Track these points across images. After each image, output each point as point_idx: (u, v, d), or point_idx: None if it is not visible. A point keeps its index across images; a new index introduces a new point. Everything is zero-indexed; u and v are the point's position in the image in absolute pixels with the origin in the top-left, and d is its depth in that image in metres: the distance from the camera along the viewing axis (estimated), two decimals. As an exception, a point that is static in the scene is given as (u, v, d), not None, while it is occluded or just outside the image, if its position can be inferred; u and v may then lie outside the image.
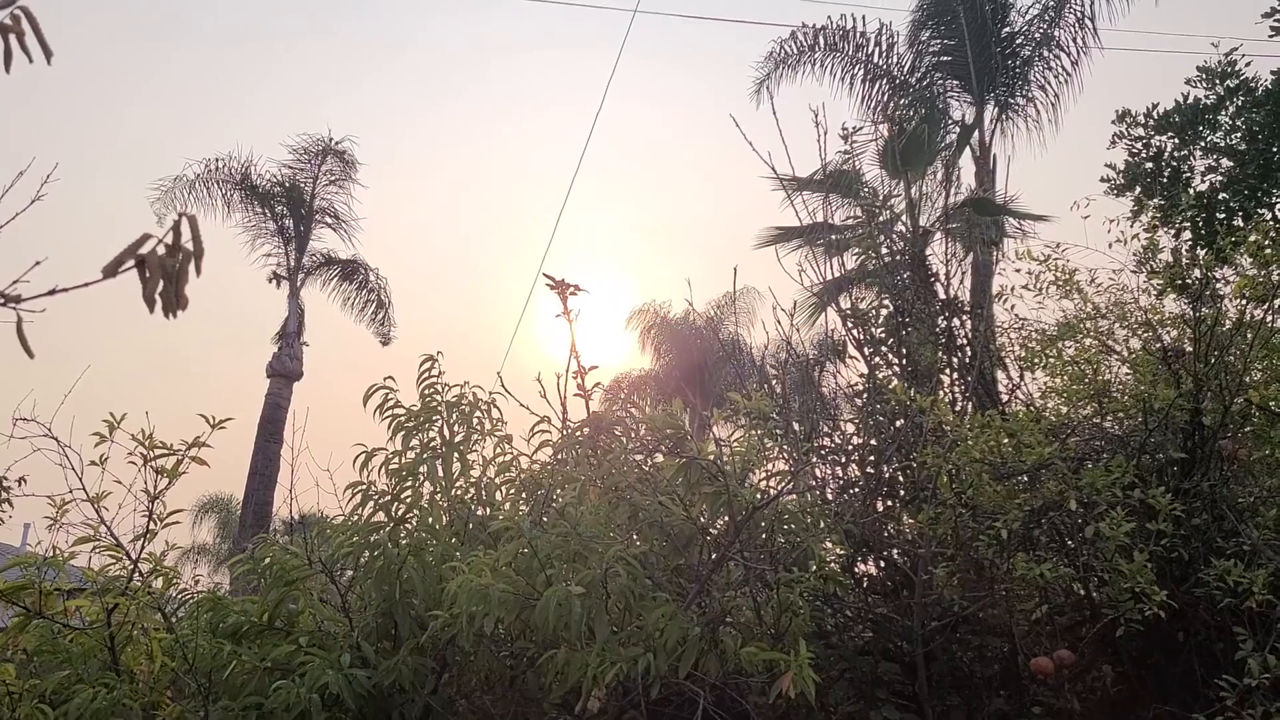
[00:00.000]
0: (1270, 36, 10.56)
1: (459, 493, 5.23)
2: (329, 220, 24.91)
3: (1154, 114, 10.97)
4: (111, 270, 1.79)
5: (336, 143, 24.45)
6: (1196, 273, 5.87)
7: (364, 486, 5.10)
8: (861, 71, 20.04)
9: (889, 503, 5.85)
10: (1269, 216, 10.05)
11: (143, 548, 4.68)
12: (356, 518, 5.05)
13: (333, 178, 24.69)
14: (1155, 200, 10.68)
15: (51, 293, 1.89)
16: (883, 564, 5.64)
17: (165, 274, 1.82)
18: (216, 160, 23.56)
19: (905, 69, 20.26)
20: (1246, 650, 4.39)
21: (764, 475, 5.35)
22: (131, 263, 1.80)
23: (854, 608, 5.50)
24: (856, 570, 5.65)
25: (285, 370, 23.81)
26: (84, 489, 4.62)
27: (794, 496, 5.30)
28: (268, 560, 4.96)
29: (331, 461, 5.26)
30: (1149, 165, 10.94)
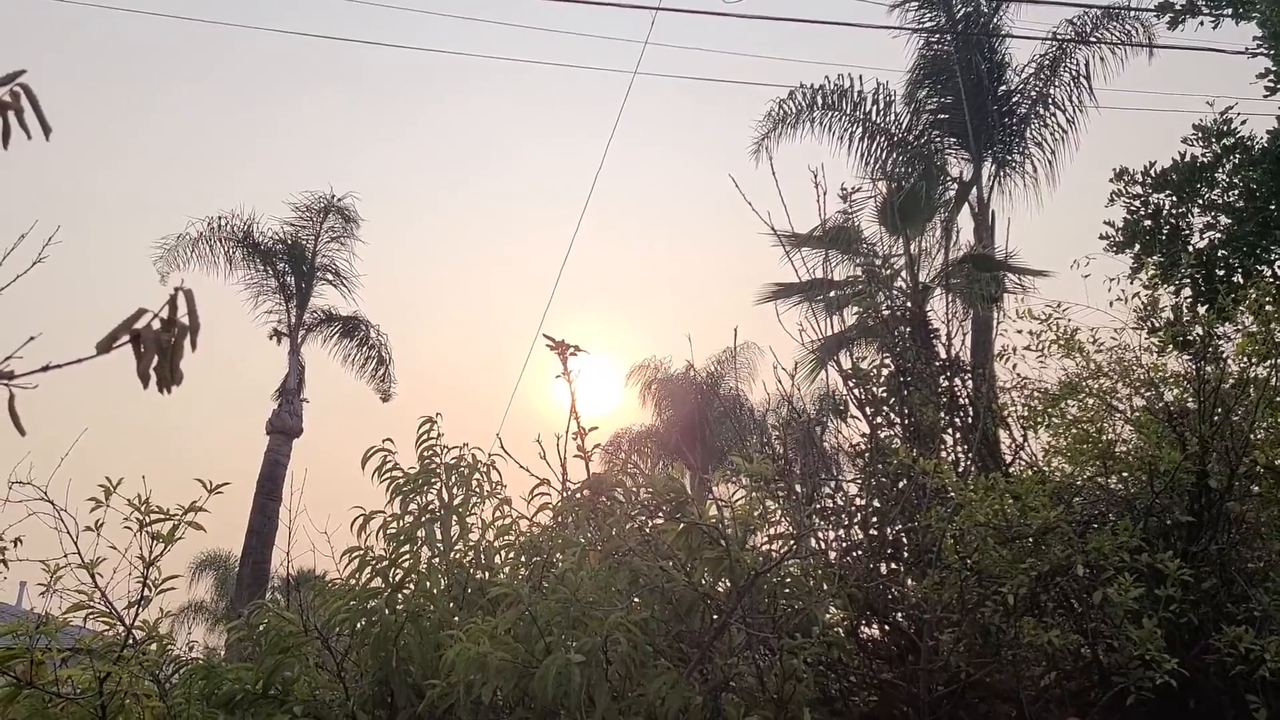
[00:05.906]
0: (1265, 96, 10.67)
1: (457, 556, 5.17)
2: (330, 277, 24.98)
3: (1151, 172, 11.03)
4: (106, 346, 1.77)
5: (339, 200, 24.56)
6: (1198, 330, 5.85)
7: (361, 551, 5.04)
8: (859, 129, 20.22)
9: (893, 566, 5.78)
10: (1269, 274, 10.07)
11: (137, 614, 4.62)
12: (354, 582, 4.99)
13: (334, 234, 24.77)
14: (1155, 257, 10.70)
15: (45, 369, 1.87)
16: (887, 628, 5.56)
17: (160, 349, 1.80)
18: (219, 218, 23.68)
19: (903, 127, 20.46)
20: (1260, 719, 4.31)
21: (766, 539, 5.29)
22: (126, 338, 1.78)
23: (859, 674, 5.40)
24: (861, 635, 5.56)
25: (285, 427, 23.74)
26: (79, 554, 4.57)
27: (796, 560, 5.24)
28: (263, 626, 4.89)
29: (330, 522, 5.21)
30: (1147, 223, 10.97)
